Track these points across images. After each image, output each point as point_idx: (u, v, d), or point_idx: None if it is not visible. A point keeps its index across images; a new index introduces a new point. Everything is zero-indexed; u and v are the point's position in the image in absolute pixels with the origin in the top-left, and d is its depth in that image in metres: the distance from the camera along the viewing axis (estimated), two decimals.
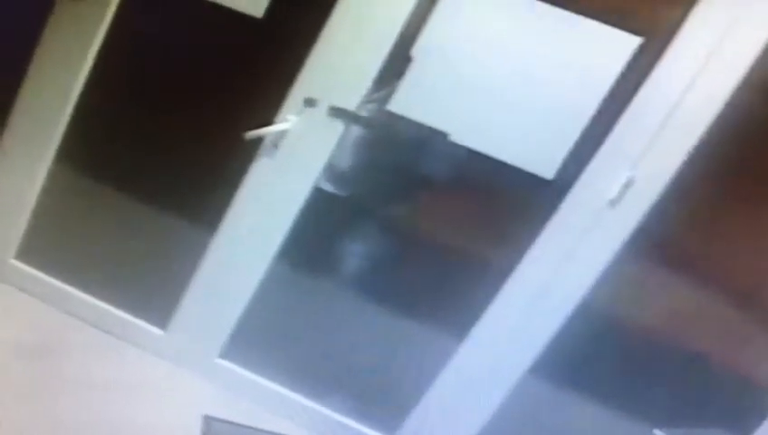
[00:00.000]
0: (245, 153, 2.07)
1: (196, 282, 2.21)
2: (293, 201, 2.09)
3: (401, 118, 1.97)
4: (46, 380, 2.02)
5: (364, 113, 2.02)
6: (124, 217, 2.26)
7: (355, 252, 2.15)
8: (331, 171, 2.08)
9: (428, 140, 1.99)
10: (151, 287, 2.28)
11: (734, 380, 2.01)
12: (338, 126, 2.02)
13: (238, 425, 2.12)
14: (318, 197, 2.08)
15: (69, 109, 2.16)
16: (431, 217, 2.14)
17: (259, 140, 2.04)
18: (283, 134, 2.05)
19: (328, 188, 2.09)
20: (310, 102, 2.01)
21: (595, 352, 2.04)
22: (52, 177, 2.23)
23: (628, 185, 1.89)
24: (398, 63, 1.96)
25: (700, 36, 1.80)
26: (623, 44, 1.84)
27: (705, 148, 1.83)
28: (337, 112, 2.01)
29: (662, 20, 1.84)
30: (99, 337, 2.26)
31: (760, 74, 1.79)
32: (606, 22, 1.83)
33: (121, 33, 2.10)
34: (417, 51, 1.95)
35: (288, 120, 2.03)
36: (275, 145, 2.06)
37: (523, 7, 1.88)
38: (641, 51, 1.83)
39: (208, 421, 2.08)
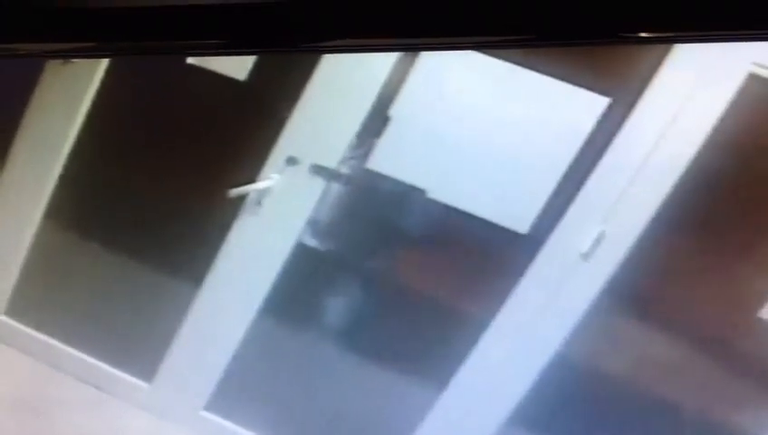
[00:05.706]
0: (229, 210, 2.13)
1: (181, 336, 2.25)
2: (277, 256, 2.14)
3: (380, 175, 2.04)
4: None
5: (344, 171, 2.08)
6: (111, 273, 2.30)
7: (337, 305, 2.20)
8: (313, 227, 2.13)
9: (406, 196, 2.05)
10: (137, 342, 2.30)
11: (708, 428, 2.04)
12: (319, 183, 2.08)
13: None
14: (300, 251, 2.14)
15: (58, 168, 2.21)
16: (411, 270, 2.19)
17: (243, 197, 2.10)
18: (265, 192, 2.10)
19: (310, 242, 2.14)
20: (292, 161, 2.08)
21: (572, 403, 2.08)
22: (41, 234, 2.28)
23: (599, 239, 1.95)
24: (376, 123, 2.03)
25: (667, 96, 1.87)
26: (592, 104, 1.92)
27: (674, 202, 1.90)
28: (318, 170, 2.07)
29: (629, 81, 1.91)
30: (86, 391, 2.28)
31: (725, 132, 1.86)
32: (576, 84, 1.91)
33: (109, 94, 2.16)
34: (394, 111, 2.02)
35: (271, 178, 2.09)
36: (259, 202, 2.11)
37: (498, 69, 1.95)
38: (610, 110, 1.91)
39: None
